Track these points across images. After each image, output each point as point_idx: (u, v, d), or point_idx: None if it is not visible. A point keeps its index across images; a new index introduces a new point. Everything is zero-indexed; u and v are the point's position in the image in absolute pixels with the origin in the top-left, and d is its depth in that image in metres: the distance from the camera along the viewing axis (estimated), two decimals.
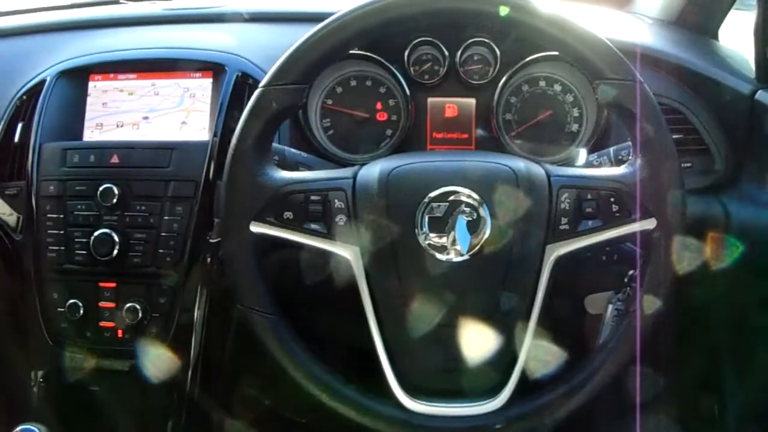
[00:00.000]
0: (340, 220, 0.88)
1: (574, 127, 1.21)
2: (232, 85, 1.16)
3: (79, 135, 1.19)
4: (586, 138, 1.20)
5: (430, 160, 0.91)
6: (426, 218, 0.86)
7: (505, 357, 0.88)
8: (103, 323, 1.12)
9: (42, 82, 1.20)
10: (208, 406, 1.27)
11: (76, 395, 1.18)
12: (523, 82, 1.22)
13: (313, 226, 0.89)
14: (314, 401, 0.90)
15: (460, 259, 0.86)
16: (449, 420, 0.89)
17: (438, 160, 0.92)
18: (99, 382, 1.17)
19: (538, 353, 0.90)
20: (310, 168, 1.04)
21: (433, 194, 0.86)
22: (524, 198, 0.87)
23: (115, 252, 1.09)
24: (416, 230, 0.86)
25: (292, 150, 1.06)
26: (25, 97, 1.20)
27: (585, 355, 0.92)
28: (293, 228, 0.89)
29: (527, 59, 1.19)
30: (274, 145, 0.99)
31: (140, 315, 1.10)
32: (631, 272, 1.04)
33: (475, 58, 1.20)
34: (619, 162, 1.01)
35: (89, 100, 1.20)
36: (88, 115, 1.20)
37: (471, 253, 0.85)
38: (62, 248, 1.12)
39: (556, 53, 1.13)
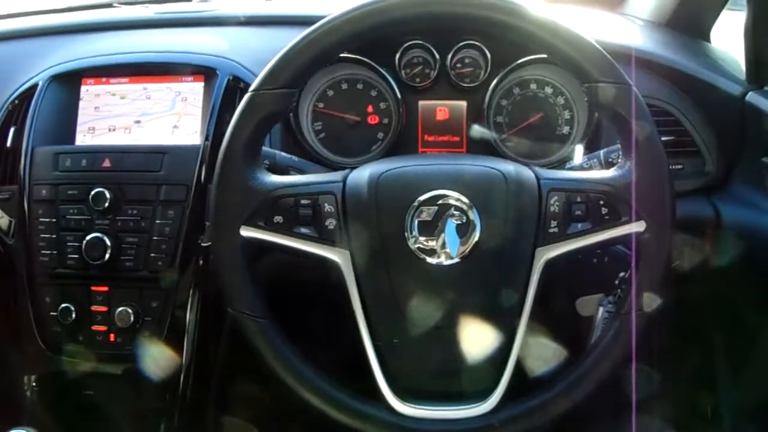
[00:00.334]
0: (330, 223, 0.88)
1: (565, 129, 1.21)
2: (224, 89, 1.17)
3: (71, 139, 1.19)
4: (577, 140, 1.20)
5: (420, 163, 0.91)
6: (415, 222, 0.86)
7: (496, 360, 0.88)
8: (95, 327, 1.13)
9: (34, 86, 1.20)
10: (202, 408, 1.27)
11: (69, 399, 1.19)
12: (514, 85, 1.22)
13: (303, 230, 0.89)
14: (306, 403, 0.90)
15: (449, 262, 0.86)
16: (440, 423, 0.89)
17: (428, 163, 0.92)
18: (92, 385, 1.18)
19: (529, 356, 0.90)
20: (301, 171, 1.04)
21: (422, 198, 0.86)
22: (514, 201, 0.87)
23: (107, 256, 1.10)
24: (406, 234, 0.86)
25: (283, 154, 1.06)
26: (17, 101, 1.20)
27: (576, 358, 0.92)
28: (283, 232, 0.89)
29: (518, 62, 1.19)
30: (265, 148, 0.99)
31: (132, 318, 1.11)
32: (621, 274, 1.04)
33: (466, 61, 1.20)
34: (609, 165, 1.01)
35: (81, 104, 1.21)
36: (80, 119, 1.20)
37: (461, 256, 0.86)
38: (54, 252, 1.12)
39: (547, 56, 1.13)
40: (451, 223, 0.86)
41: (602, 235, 0.88)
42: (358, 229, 0.87)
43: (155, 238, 1.11)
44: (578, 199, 0.88)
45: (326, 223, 0.88)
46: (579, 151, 1.17)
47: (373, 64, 1.20)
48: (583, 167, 1.05)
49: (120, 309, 1.10)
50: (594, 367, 0.89)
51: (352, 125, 1.23)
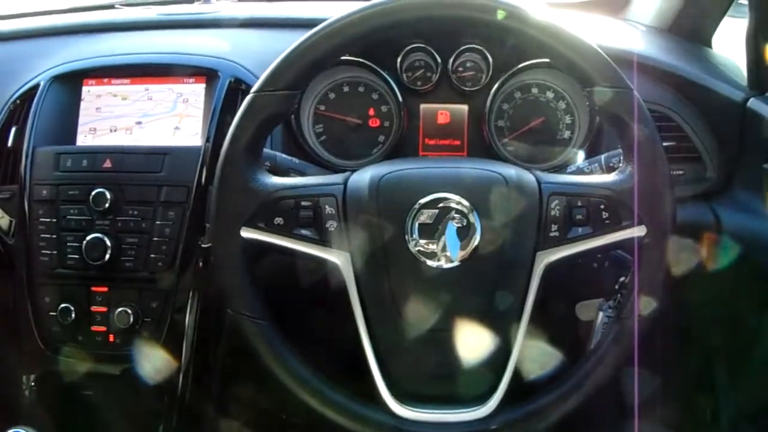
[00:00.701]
0: (331, 225, 0.88)
1: (567, 134, 1.21)
2: (225, 91, 1.17)
3: (72, 139, 1.19)
4: (579, 145, 1.20)
5: (420, 166, 0.91)
6: (416, 225, 0.86)
7: (496, 363, 0.88)
8: (95, 327, 1.12)
9: (36, 87, 1.20)
10: (200, 409, 1.27)
11: (68, 399, 1.18)
12: (516, 89, 1.22)
13: (304, 231, 0.89)
14: (305, 405, 0.90)
15: (450, 265, 0.86)
16: (438, 426, 0.89)
17: (429, 166, 0.92)
18: (91, 385, 1.17)
19: (528, 360, 0.90)
20: (301, 174, 1.04)
21: (423, 201, 0.86)
22: (514, 205, 0.87)
23: (107, 256, 1.09)
24: (406, 236, 0.86)
25: (284, 156, 1.06)
26: (18, 101, 1.20)
27: (576, 362, 0.92)
28: (284, 234, 0.89)
29: (520, 66, 1.19)
30: (266, 150, 0.99)
31: (132, 319, 1.10)
32: (621, 279, 1.04)
33: (468, 64, 1.20)
34: (609, 169, 1.01)
35: (83, 104, 1.21)
36: (81, 119, 1.20)
37: (461, 259, 0.86)
38: (54, 252, 1.12)
39: (549, 60, 1.13)
40: (452, 227, 0.86)
41: (603, 239, 0.88)
42: (359, 232, 0.87)
43: (155, 239, 1.11)
44: (579, 204, 0.88)
45: (327, 225, 0.88)
46: (580, 155, 1.17)
47: (374, 67, 1.20)
48: (584, 171, 1.04)
49: (119, 310, 1.10)
50: (593, 372, 0.89)
51: (354, 128, 1.23)
